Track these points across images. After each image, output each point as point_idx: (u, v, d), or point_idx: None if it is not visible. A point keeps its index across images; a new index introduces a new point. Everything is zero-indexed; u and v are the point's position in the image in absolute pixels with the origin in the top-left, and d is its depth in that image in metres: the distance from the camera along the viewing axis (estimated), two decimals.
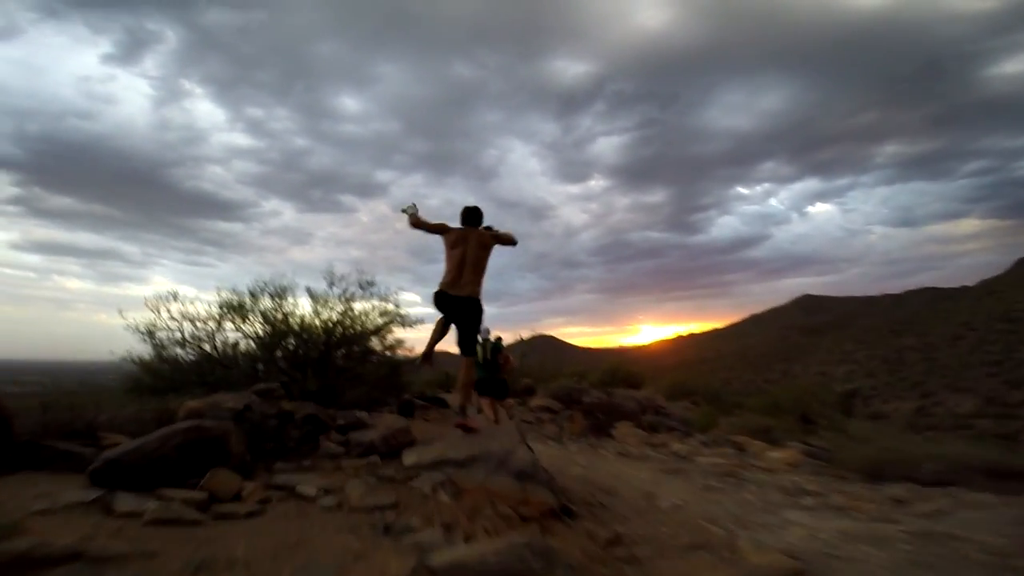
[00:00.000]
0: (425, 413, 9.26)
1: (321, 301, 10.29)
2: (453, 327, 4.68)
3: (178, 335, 9.15)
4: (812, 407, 14.84)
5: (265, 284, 10.19)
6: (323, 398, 9.21)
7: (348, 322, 10.26)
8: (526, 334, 17.73)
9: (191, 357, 9.48)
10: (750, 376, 71.64)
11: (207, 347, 9.37)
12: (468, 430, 4.57)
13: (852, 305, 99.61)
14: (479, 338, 7.99)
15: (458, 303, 4.28)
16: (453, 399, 11.73)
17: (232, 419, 4.12)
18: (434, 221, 4.58)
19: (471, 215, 4.61)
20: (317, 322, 10.03)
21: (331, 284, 10.44)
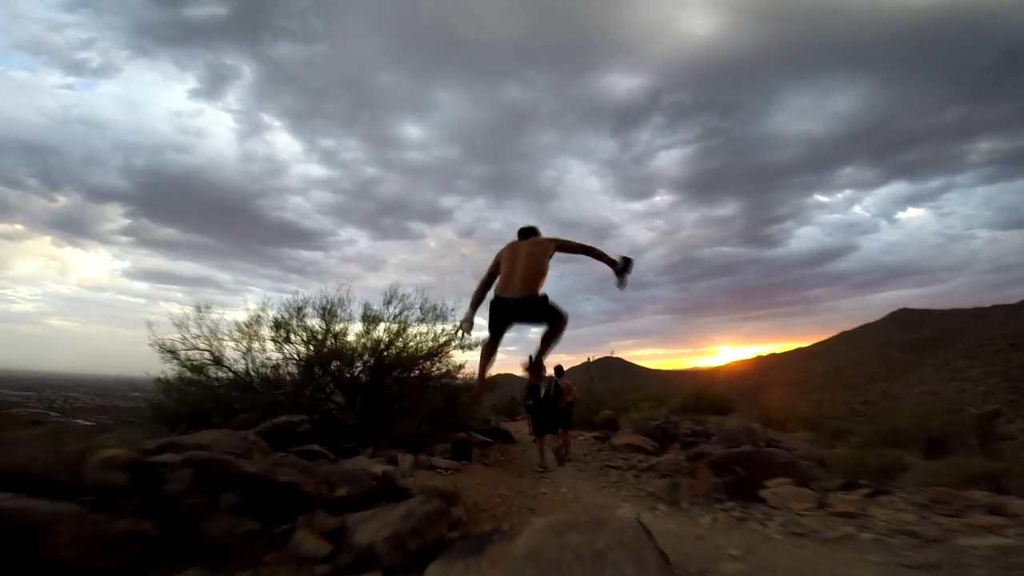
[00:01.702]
0: (485, 454, 7.42)
1: (373, 320, 8.80)
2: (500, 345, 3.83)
3: (207, 355, 7.86)
4: (943, 433, 12.00)
5: (308, 301, 8.76)
6: (365, 433, 7.64)
7: (401, 343, 8.72)
8: (594, 357, 15.71)
9: (221, 380, 8.19)
10: (844, 398, 65.01)
11: (237, 369, 8.02)
12: None
13: (958, 318, 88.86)
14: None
15: (516, 306, 3.51)
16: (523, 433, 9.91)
17: (112, 490, 2.49)
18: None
19: (526, 230, 4.02)
20: (366, 342, 8.54)
21: (388, 302, 8.96)
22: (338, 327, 8.65)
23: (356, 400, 8.51)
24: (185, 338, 7.79)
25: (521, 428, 10.09)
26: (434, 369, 8.90)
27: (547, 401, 7.32)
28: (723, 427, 11.25)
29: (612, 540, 2.61)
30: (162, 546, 2.48)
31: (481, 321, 3.83)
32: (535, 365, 3.85)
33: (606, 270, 3.78)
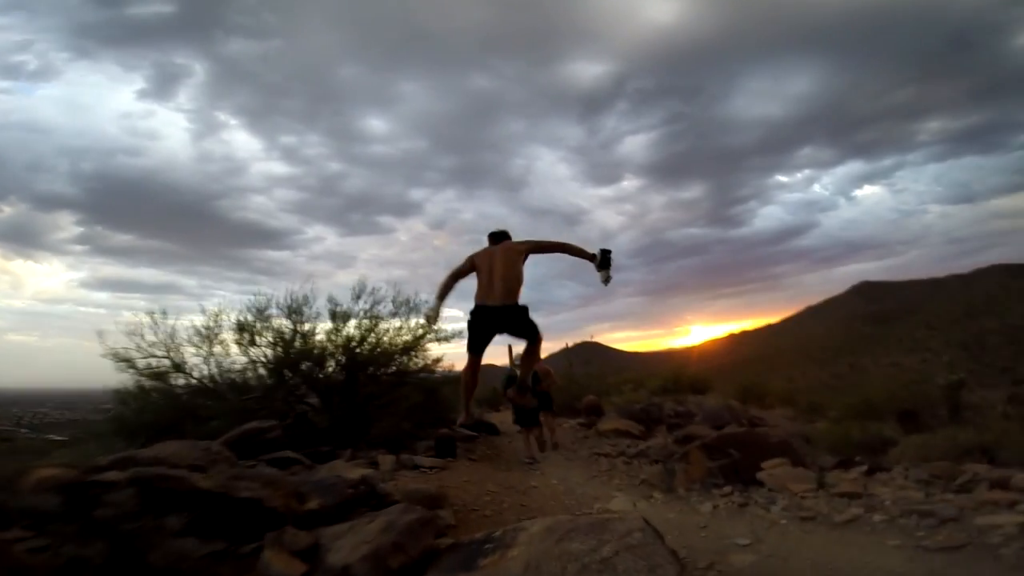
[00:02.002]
0: (471, 448, 7.11)
1: (342, 317, 8.36)
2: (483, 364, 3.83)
3: (165, 362, 7.33)
4: (913, 404, 12.22)
5: (271, 300, 8.24)
6: (343, 435, 7.24)
7: (374, 339, 8.31)
8: (572, 342, 15.48)
9: (184, 388, 7.68)
10: (815, 372, 66.48)
11: (200, 376, 7.51)
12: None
13: (917, 289, 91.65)
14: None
15: (498, 314, 3.52)
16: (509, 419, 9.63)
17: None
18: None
19: (497, 235, 3.98)
20: (336, 340, 8.11)
21: (357, 297, 8.50)
22: (306, 326, 8.20)
23: (331, 401, 8.10)
24: (140, 346, 7.24)
25: (506, 419, 9.79)
26: (411, 364, 8.52)
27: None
28: (704, 407, 11.19)
29: (618, 544, 2.33)
30: None
31: (448, 315, 3.94)
32: (523, 388, 3.94)
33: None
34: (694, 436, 7.58)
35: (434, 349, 8.66)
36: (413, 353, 8.42)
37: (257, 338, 7.96)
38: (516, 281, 3.52)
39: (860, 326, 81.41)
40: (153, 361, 7.42)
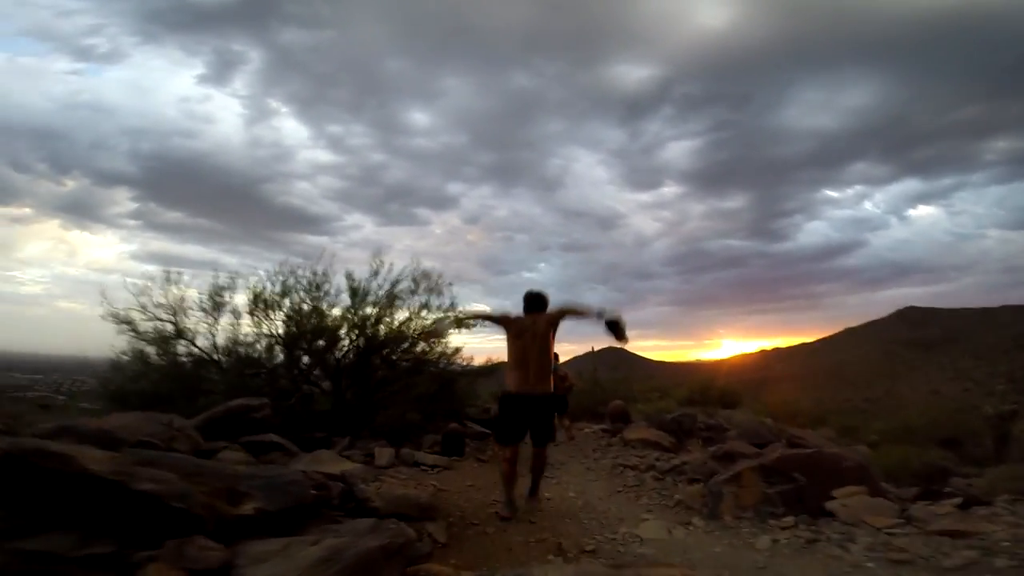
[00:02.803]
0: (482, 447, 6.34)
1: (360, 294, 7.72)
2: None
3: (169, 327, 6.80)
4: (956, 432, 11.01)
5: (294, 270, 7.65)
6: (345, 421, 6.58)
7: (390, 319, 7.65)
8: (598, 347, 14.58)
9: (187, 357, 7.15)
10: (846, 395, 63.29)
11: (203, 345, 6.98)
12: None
13: (966, 317, 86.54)
14: None
15: (532, 404, 3.58)
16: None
17: None
18: (497, 313, 3.93)
19: (534, 301, 3.88)
20: (352, 318, 7.48)
21: (375, 274, 7.86)
22: (324, 304, 7.58)
23: (342, 384, 7.47)
24: (145, 307, 6.74)
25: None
26: (429, 350, 7.83)
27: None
28: (736, 421, 10.11)
29: None
30: None
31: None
32: (509, 506, 3.70)
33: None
34: (735, 453, 6.60)
35: (454, 338, 7.99)
36: (432, 339, 7.74)
37: (271, 311, 7.40)
38: (549, 366, 3.61)
39: (900, 351, 77.49)
40: (157, 325, 6.93)
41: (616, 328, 3.51)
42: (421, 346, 7.72)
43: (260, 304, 7.41)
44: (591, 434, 8.59)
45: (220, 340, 7.19)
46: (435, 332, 7.41)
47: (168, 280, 6.91)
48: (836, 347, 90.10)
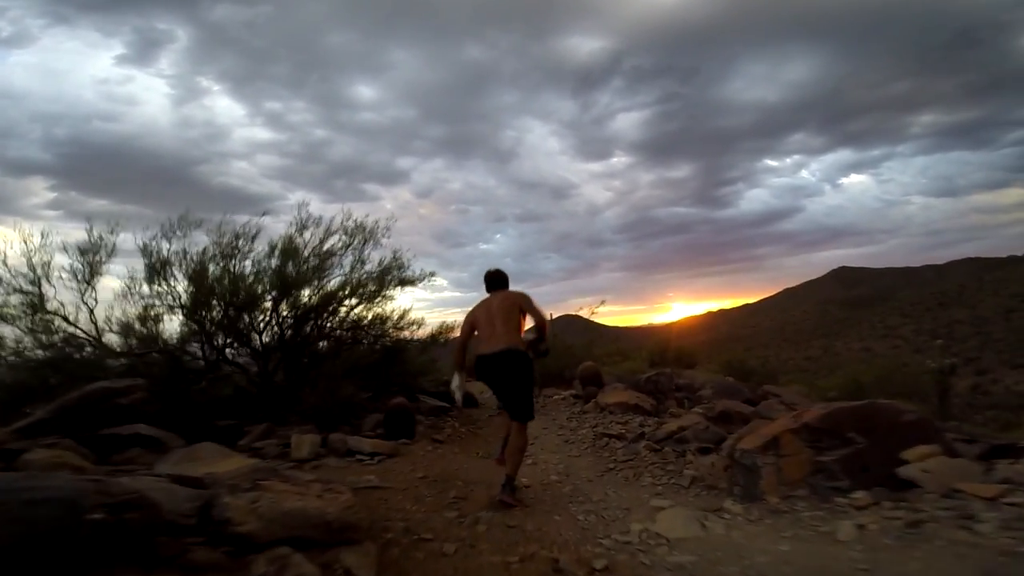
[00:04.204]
0: (437, 425, 5.15)
1: (284, 253, 6.28)
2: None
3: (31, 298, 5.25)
4: (903, 388, 10.94)
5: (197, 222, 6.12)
6: (270, 405, 5.26)
7: (318, 281, 6.30)
8: (554, 314, 13.82)
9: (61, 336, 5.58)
10: (788, 353, 66.16)
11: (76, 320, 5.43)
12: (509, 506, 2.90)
13: (892, 277, 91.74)
14: None
15: (498, 360, 3.26)
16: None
17: None
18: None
19: (495, 279, 3.73)
20: (272, 278, 6.07)
21: (301, 228, 6.43)
22: (238, 265, 6.10)
23: (267, 362, 6.08)
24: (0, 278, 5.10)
25: (486, 388, 7.88)
26: (368, 315, 6.54)
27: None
28: (698, 380, 9.36)
29: None
30: None
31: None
32: (510, 487, 3.05)
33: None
34: (732, 413, 5.72)
35: (399, 298, 6.75)
36: (370, 300, 6.44)
37: (168, 275, 5.85)
38: (516, 329, 3.43)
39: (835, 310, 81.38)
40: (20, 298, 5.30)
41: (543, 352, 3.57)
42: (359, 309, 6.43)
43: (154, 265, 5.85)
44: (561, 401, 7.58)
45: (102, 313, 5.62)
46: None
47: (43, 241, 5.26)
48: (777, 307, 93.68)
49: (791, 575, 1.98)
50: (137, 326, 5.78)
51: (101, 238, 5.44)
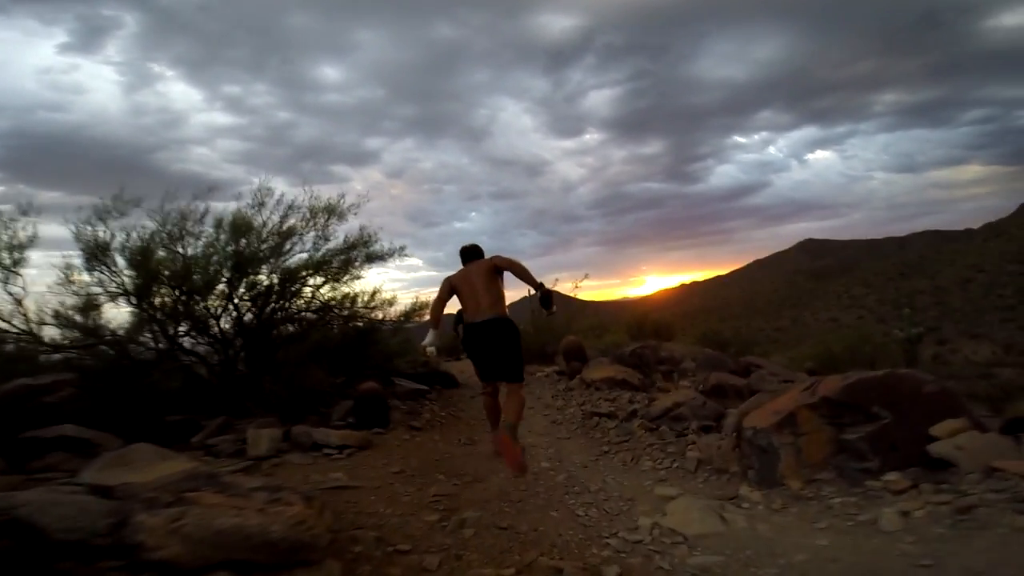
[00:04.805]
0: (415, 410, 4.75)
1: (238, 229, 5.70)
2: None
3: None
4: (874, 357, 11.07)
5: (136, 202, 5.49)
6: (231, 396, 4.79)
7: (280, 261, 5.78)
8: (531, 290, 13.42)
9: None
10: (759, 324, 67.38)
11: None
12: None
13: (856, 249, 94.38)
14: None
15: (487, 329, 3.28)
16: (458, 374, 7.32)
17: None
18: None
19: (468, 252, 3.85)
20: (225, 256, 5.53)
21: (258, 205, 5.85)
22: (190, 247, 5.52)
23: (227, 350, 5.56)
24: None
25: (467, 368, 7.49)
26: (336, 295, 6.05)
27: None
28: (678, 352, 9.17)
29: None
30: None
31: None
32: (512, 431, 2.95)
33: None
34: (726, 386, 5.49)
35: (369, 276, 6.28)
36: (336, 278, 5.95)
37: (108, 254, 5.23)
38: (500, 297, 3.45)
39: (803, 281, 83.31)
40: None
41: (548, 300, 3.44)
42: (326, 289, 5.94)
43: (90, 250, 5.22)
44: (545, 378, 7.25)
45: (32, 303, 4.99)
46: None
47: None
48: (747, 278, 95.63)
49: (839, 575, 1.66)
50: (78, 317, 5.19)
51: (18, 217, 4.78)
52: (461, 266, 3.76)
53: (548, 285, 3.34)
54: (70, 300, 5.17)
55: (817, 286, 75.86)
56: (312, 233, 5.92)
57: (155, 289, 5.25)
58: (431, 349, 3.49)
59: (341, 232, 6.10)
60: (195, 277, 5.32)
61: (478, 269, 3.50)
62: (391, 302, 6.49)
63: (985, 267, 57.23)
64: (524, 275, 3.41)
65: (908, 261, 71.28)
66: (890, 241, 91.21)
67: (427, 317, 7.10)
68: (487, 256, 3.72)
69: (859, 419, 2.59)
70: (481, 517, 2.27)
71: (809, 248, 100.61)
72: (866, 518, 2.07)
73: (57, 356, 5.01)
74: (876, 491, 2.27)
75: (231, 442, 3.38)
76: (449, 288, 3.52)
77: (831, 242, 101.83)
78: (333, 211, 6.01)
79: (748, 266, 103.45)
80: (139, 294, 5.21)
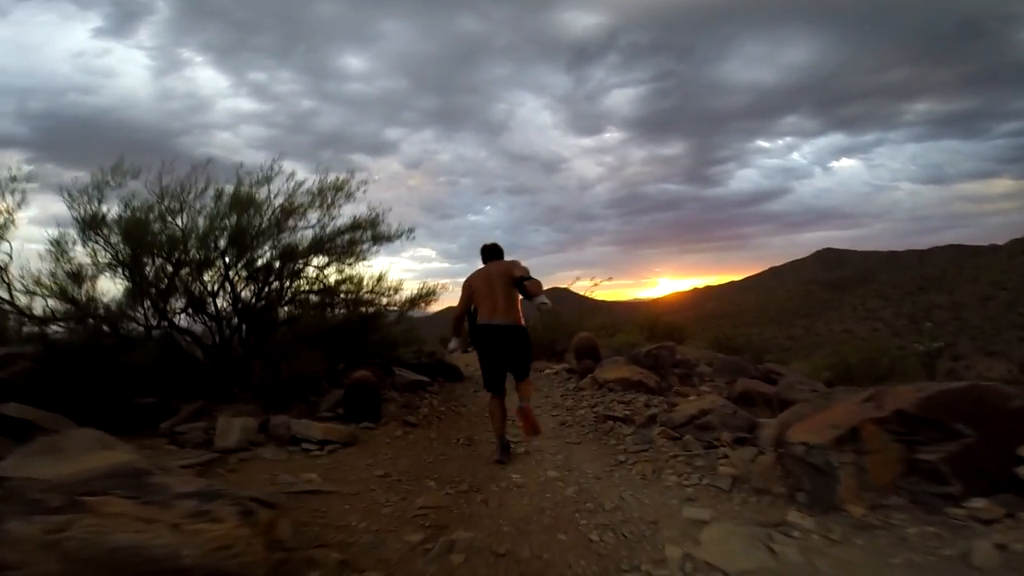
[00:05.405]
0: (413, 403, 4.35)
1: (242, 204, 5.39)
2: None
3: None
4: (890, 369, 10.54)
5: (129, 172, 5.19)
6: (220, 378, 4.45)
7: (283, 237, 5.45)
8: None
9: None
10: (771, 332, 66.48)
11: None
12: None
13: (875, 260, 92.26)
14: None
15: (504, 334, 3.37)
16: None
17: None
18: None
19: (492, 251, 3.82)
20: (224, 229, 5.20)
21: (265, 180, 5.53)
22: (188, 220, 5.20)
23: (222, 329, 5.22)
24: None
25: (472, 361, 7.09)
26: (340, 276, 5.70)
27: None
28: (690, 355, 8.66)
29: None
30: None
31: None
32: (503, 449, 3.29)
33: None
34: (754, 393, 5.02)
35: (377, 261, 5.93)
36: (341, 260, 5.59)
37: (103, 224, 4.90)
38: (516, 304, 3.47)
39: (818, 291, 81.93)
40: None
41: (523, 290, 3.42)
42: (330, 271, 5.60)
43: (85, 219, 4.90)
44: (554, 375, 6.83)
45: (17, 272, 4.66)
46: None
47: None
48: (761, 285, 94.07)
49: None
50: (68, 288, 4.87)
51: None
52: (475, 261, 3.80)
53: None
54: (60, 270, 4.90)
55: (833, 296, 74.42)
56: (318, 211, 5.60)
57: (147, 261, 4.94)
58: (455, 353, 3.66)
59: (350, 213, 5.79)
60: (191, 250, 5.00)
61: (498, 271, 3.54)
62: (396, 288, 6.13)
63: (1008, 284, 55.67)
64: (531, 290, 3.41)
65: (928, 275, 69.62)
66: (911, 254, 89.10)
67: (432, 308, 6.74)
68: (507, 259, 3.76)
69: (937, 437, 2.13)
70: (474, 539, 1.85)
71: (827, 257, 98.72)
72: (953, 552, 1.63)
73: (36, 329, 4.72)
74: (960, 520, 1.83)
75: (202, 430, 3.00)
76: (470, 292, 3.57)
77: (850, 252, 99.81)
78: (340, 189, 5.67)
79: (764, 273, 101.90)
80: (130, 266, 4.89)
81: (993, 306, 55.09)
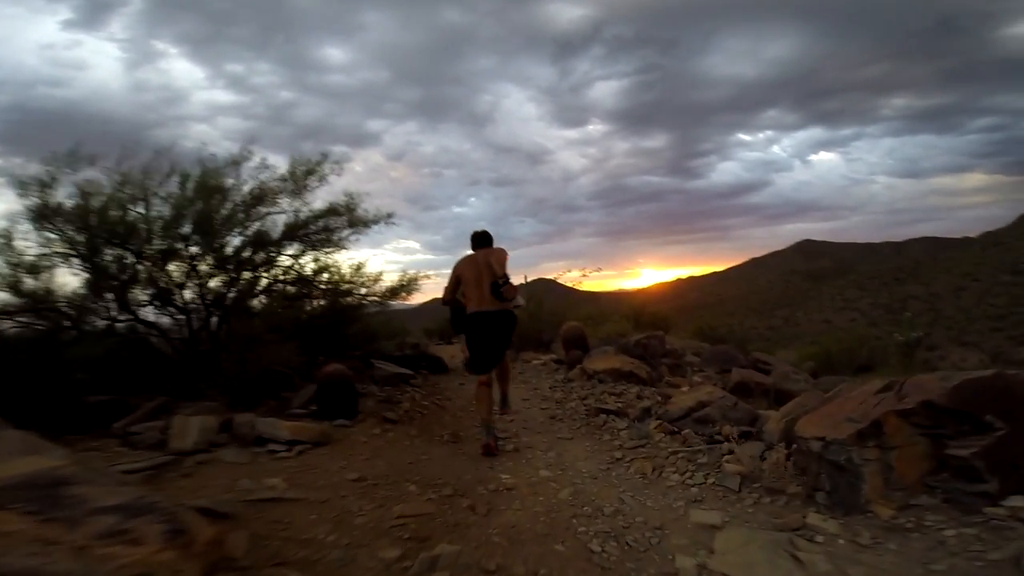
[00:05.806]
0: (393, 398, 4.08)
1: (207, 189, 5.04)
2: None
3: None
4: (870, 359, 10.66)
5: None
6: (191, 373, 4.13)
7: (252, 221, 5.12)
8: (528, 276, 13.12)
9: None
10: (752, 322, 67.22)
11: None
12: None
13: (853, 251, 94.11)
14: None
15: (493, 320, 3.47)
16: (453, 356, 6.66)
17: None
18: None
19: (481, 238, 3.90)
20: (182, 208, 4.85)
21: (234, 163, 5.18)
22: (150, 208, 4.84)
23: (190, 322, 4.88)
24: None
25: (456, 352, 6.84)
26: (315, 265, 5.39)
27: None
28: (678, 346, 8.53)
29: None
30: None
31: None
32: (505, 404, 3.89)
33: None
34: (750, 383, 4.88)
35: (355, 250, 5.63)
36: (315, 248, 5.27)
37: (57, 213, 4.52)
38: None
39: (798, 281, 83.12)
40: None
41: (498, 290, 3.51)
42: (305, 259, 5.29)
43: (38, 208, 4.52)
44: (541, 367, 6.62)
45: None
46: None
47: None
48: (743, 276, 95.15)
49: None
50: (22, 282, 4.49)
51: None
52: (459, 253, 3.84)
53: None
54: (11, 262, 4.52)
55: (812, 287, 75.56)
56: (289, 196, 5.27)
57: (105, 251, 4.58)
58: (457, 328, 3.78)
59: (325, 198, 5.47)
60: (152, 239, 4.66)
61: (486, 260, 3.58)
62: (376, 279, 5.84)
63: (979, 276, 57.01)
64: (508, 290, 3.51)
65: (904, 266, 71.04)
66: (887, 245, 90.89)
67: (415, 299, 6.49)
68: (496, 246, 3.82)
69: (967, 430, 1.94)
70: (460, 553, 1.61)
71: (806, 249, 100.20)
72: (1000, 556, 1.44)
73: None
74: (1001, 520, 1.65)
75: (158, 430, 2.70)
76: (458, 278, 3.65)
77: (829, 244, 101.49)
78: (313, 172, 5.35)
79: (745, 264, 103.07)
80: (87, 256, 4.53)
81: (966, 297, 56.35)
